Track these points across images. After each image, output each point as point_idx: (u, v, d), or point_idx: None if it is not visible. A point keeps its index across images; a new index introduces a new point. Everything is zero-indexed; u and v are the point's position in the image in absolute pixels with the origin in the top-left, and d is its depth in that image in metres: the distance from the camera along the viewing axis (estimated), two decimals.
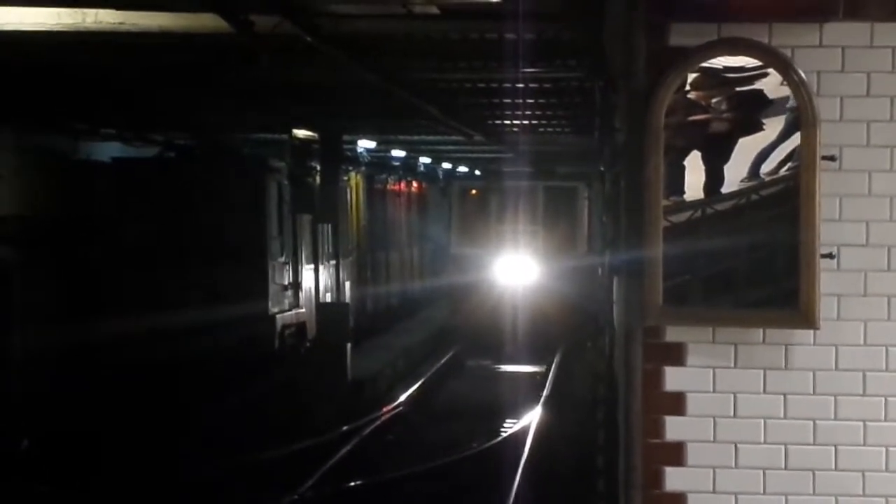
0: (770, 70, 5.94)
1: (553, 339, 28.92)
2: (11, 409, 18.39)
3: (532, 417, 21.27)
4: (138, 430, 18.02)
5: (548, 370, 26.61)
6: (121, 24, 11.06)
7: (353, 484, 16.60)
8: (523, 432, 20.19)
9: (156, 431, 18.09)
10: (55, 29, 11.32)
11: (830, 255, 5.98)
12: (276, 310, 22.33)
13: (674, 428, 6.13)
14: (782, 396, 6.09)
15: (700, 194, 6.01)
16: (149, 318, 20.43)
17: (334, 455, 18.10)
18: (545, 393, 23.61)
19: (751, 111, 5.98)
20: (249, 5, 10.23)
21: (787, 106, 5.94)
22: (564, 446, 18.75)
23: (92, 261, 21.38)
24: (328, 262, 26.10)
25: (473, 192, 33.38)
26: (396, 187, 39.00)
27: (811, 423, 6.08)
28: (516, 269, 30.27)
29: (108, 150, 23.19)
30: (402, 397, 23.33)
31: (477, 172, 40.07)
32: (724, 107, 6.01)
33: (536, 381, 25.69)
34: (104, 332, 20.28)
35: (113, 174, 22.26)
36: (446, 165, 40.02)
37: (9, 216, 19.51)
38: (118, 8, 10.88)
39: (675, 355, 6.12)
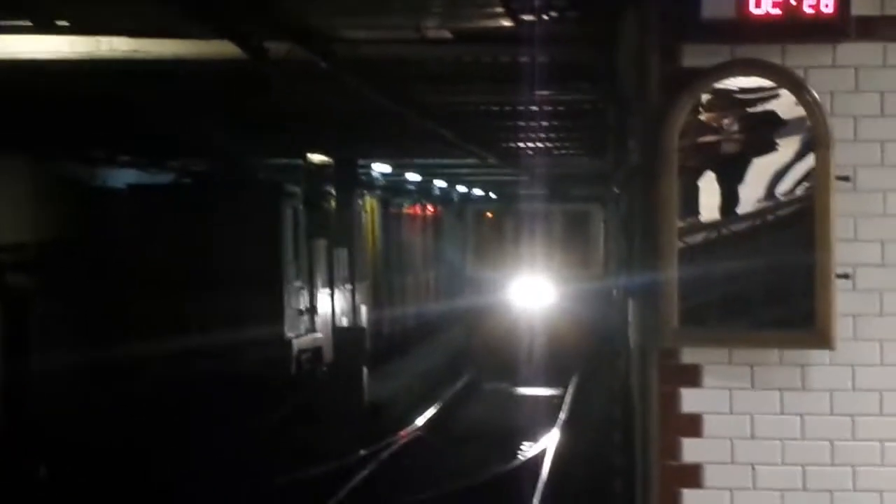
0: (783, 91, 5.94)
1: (569, 361, 28.84)
2: (29, 436, 18.40)
3: (549, 441, 21.23)
4: (155, 456, 18.01)
5: (564, 393, 26.56)
6: (135, 51, 11.10)
7: None
8: (541, 455, 20.15)
9: (172, 456, 18.07)
10: (70, 57, 11.35)
11: (846, 276, 5.96)
12: (292, 334, 22.34)
13: (691, 450, 6.10)
14: (799, 417, 6.06)
15: (715, 215, 6.00)
16: (165, 342, 20.45)
17: (351, 480, 18.07)
18: (562, 416, 23.57)
19: (764, 132, 5.97)
20: (263, 32, 10.25)
21: (801, 126, 5.94)
22: (582, 469, 18.70)
23: (108, 287, 21.43)
24: (344, 286, 26.11)
25: (488, 214, 33.34)
26: (411, 211, 39.03)
27: (829, 443, 6.05)
28: (532, 292, 30.22)
29: (123, 177, 23.26)
30: (419, 421, 23.30)
31: (492, 195, 40.09)
32: (737, 128, 6.00)
33: (553, 404, 25.62)
34: (120, 357, 20.31)
35: (129, 200, 22.32)
36: (461, 188, 40.08)
37: (26, 243, 19.57)
38: (132, 36, 10.92)
39: (692, 377, 6.10)
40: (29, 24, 10.70)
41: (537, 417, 23.51)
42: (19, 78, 13.48)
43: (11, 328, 18.71)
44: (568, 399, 25.56)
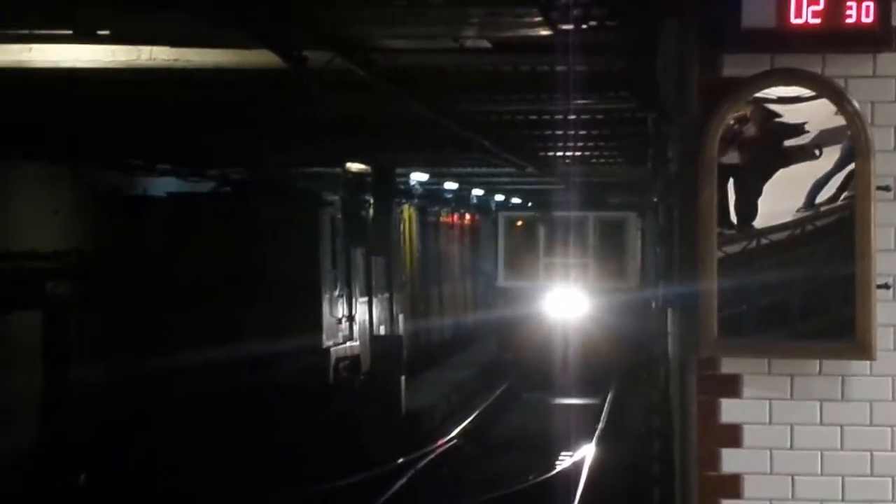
0: (823, 100, 5.93)
1: (606, 373, 28.60)
2: (69, 444, 18.50)
3: (587, 451, 21.22)
4: (192, 465, 18.07)
5: (602, 404, 26.47)
6: (175, 60, 11.15)
7: None
8: (578, 465, 20.15)
9: (210, 465, 18.13)
10: (110, 66, 11.42)
11: (886, 286, 5.94)
12: (330, 343, 22.38)
13: (730, 460, 6.09)
14: (839, 428, 6.04)
15: (754, 225, 6.00)
16: (203, 352, 20.51)
17: (390, 488, 18.11)
18: (600, 426, 23.54)
19: (804, 141, 5.97)
20: (303, 41, 10.29)
21: (841, 136, 5.93)
22: (620, 479, 18.67)
23: (146, 296, 21.53)
24: (381, 294, 26.14)
25: (519, 223, 32.84)
26: (449, 219, 39.04)
27: (868, 454, 6.03)
28: (566, 303, 29.93)
29: (163, 186, 23.38)
30: (457, 430, 23.32)
31: (529, 204, 39.98)
32: (777, 137, 6.00)
33: (591, 415, 25.55)
34: (160, 366, 20.39)
35: (168, 209, 22.42)
36: (498, 197, 40.06)
37: (66, 251, 19.67)
38: (173, 45, 10.97)
39: (731, 387, 6.09)
40: (70, 32, 10.77)
41: (574, 428, 23.46)
42: (60, 86, 13.58)
43: (51, 336, 18.81)
44: (605, 410, 25.51)
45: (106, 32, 10.78)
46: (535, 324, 29.84)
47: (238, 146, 21.26)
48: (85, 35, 10.75)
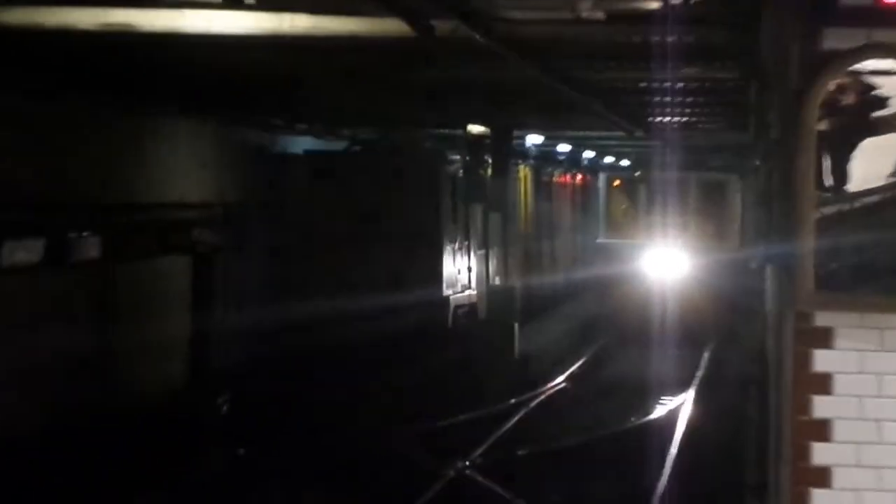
0: None
1: (704, 331, 28.03)
2: (213, 380, 18.84)
3: (686, 397, 21.22)
4: (325, 401, 18.32)
5: (700, 359, 26.18)
6: (314, 27, 11.25)
7: (521, 452, 16.72)
8: (677, 409, 20.17)
9: (341, 402, 18.37)
10: (255, 32, 11.57)
11: None
12: (449, 292, 22.52)
13: (821, 406, 6.11)
14: None
15: (849, 188, 5.98)
16: (334, 299, 20.77)
17: (504, 425, 18.24)
18: (699, 375, 23.46)
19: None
20: (431, 11, 10.34)
21: None
22: (713, 424, 18.61)
23: (285, 245, 21.82)
24: (497, 248, 26.20)
25: (616, 182, 32.28)
26: (561, 179, 38.89)
27: None
28: (666, 261, 29.40)
29: (300, 144, 23.61)
30: (565, 374, 23.37)
31: (630, 164, 39.57)
32: (871, 106, 5.96)
33: (690, 368, 25.27)
34: (295, 311, 20.67)
35: (305, 166, 22.65)
36: (608, 159, 39.85)
37: (212, 202, 19.96)
38: (312, 13, 11.08)
39: (824, 338, 6.10)
40: (220, 1, 10.96)
41: (674, 377, 23.28)
42: (209, 50, 13.75)
43: (198, 281, 19.11)
44: (703, 363, 25.37)
45: (252, 1, 10.95)
46: (635, 280, 29.43)
47: (369, 109, 21.38)
48: (233, 3, 10.92)
